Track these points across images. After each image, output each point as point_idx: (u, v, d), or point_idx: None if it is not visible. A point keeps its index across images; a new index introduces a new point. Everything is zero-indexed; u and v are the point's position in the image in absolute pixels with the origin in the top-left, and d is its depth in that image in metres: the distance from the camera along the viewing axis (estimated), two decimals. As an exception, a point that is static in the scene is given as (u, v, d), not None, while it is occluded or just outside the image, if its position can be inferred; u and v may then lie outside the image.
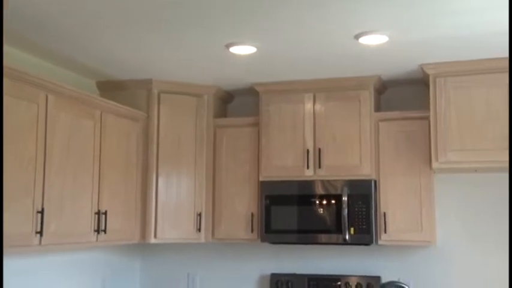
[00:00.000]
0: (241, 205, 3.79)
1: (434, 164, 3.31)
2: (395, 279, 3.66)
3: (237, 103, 4.21)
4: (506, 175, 3.54)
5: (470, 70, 3.28)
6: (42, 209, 2.75)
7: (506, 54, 3.14)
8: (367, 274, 3.74)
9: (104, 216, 3.24)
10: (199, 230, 3.76)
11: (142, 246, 4.17)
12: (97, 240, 3.20)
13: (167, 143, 3.76)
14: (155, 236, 3.66)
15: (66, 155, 2.97)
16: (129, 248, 4.09)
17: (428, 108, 3.39)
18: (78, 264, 3.56)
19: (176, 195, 3.74)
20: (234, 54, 3.17)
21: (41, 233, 2.73)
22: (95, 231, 3.17)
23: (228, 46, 3.04)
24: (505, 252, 3.52)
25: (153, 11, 2.56)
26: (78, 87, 3.18)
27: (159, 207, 3.69)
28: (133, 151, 3.62)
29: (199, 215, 3.77)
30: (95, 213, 3.18)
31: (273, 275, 3.87)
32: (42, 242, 2.76)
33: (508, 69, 3.18)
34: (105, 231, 3.23)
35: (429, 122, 3.38)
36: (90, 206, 3.15)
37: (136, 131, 3.66)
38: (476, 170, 3.47)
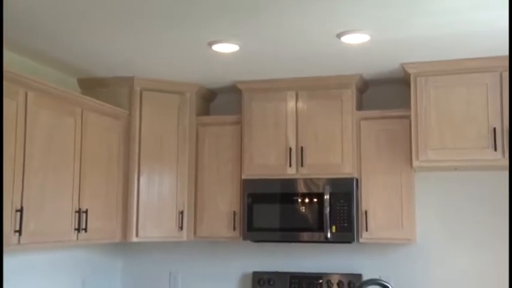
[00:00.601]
0: (224, 203, 3.78)
1: (415, 163, 3.34)
2: (376, 276, 3.69)
3: (220, 101, 4.20)
4: (485, 173, 3.59)
5: (450, 70, 3.31)
6: (21, 208, 2.71)
7: (487, 54, 3.18)
8: (349, 272, 3.77)
9: (84, 214, 3.21)
10: (181, 228, 3.75)
11: (123, 245, 4.14)
12: (77, 239, 3.17)
13: (149, 141, 3.73)
14: (137, 235, 3.64)
15: (47, 152, 2.94)
16: (110, 247, 4.06)
17: (409, 107, 3.42)
18: (58, 263, 3.53)
19: (158, 193, 3.72)
20: (216, 52, 3.17)
21: (19, 231, 2.70)
22: (75, 229, 3.14)
23: (210, 44, 3.03)
24: (484, 250, 3.57)
25: (135, 8, 2.55)
26: (59, 85, 3.14)
27: (141, 206, 3.66)
28: (115, 149, 3.59)
29: (182, 213, 3.76)
30: (76, 211, 3.15)
31: (255, 273, 3.87)
32: (21, 241, 2.72)
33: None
34: (85, 229, 3.21)
35: (410, 121, 3.41)
36: (71, 205, 3.12)
37: (117, 128, 3.63)
38: (456, 169, 3.51)
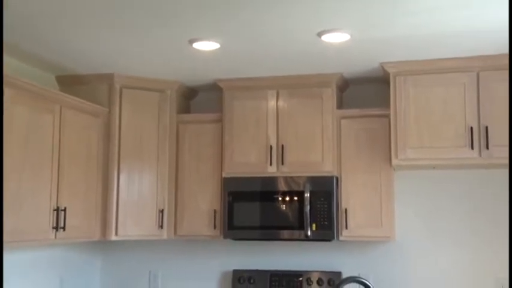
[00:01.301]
0: (204, 202, 3.78)
1: (394, 161, 3.38)
2: (355, 274, 3.72)
3: (200, 99, 4.19)
4: (463, 172, 3.64)
5: (429, 69, 3.35)
6: (-2, 206, 2.67)
7: (464, 54, 3.22)
8: (329, 270, 3.79)
9: (63, 213, 3.17)
10: (161, 226, 3.73)
11: (103, 244, 4.11)
12: (55, 237, 3.14)
13: (129, 139, 3.71)
14: (116, 233, 3.62)
15: (24, 150, 2.90)
16: (89, 246, 4.03)
17: (388, 106, 3.45)
18: (35, 262, 3.48)
19: (138, 191, 3.70)
20: (197, 50, 3.16)
21: (-4, 230, 2.66)
22: (53, 228, 3.11)
23: (191, 42, 3.02)
24: (463, 248, 3.62)
25: (115, 5, 2.52)
26: (37, 82, 3.10)
27: (121, 204, 3.64)
28: (94, 147, 3.56)
29: (162, 211, 3.74)
30: (54, 209, 3.12)
31: (235, 271, 3.87)
32: (-2, 240, 2.68)
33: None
34: (64, 228, 3.17)
35: (389, 119, 3.44)
36: (49, 203, 3.09)
37: (97, 126, 3.60)
38: (434, 167, 3.56)
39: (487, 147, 3.20)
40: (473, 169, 3.59)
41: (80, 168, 3.39)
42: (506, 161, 3.22)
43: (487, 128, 3.22)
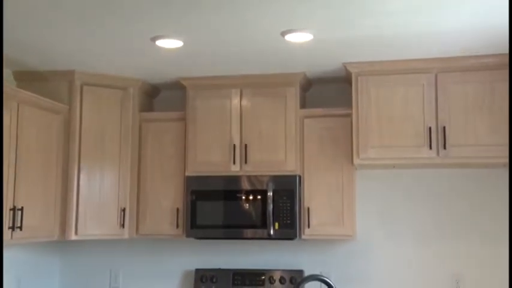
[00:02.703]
0: (167, 200, 3.75)
1: (356, 160, 3.42)
2: (317, 272, 3.76)
3: (164, 97, 4.15)
4: (422, 171, 3.72)
5: (390, 70, 3.41)
6: (-49, 205, 2.59)
7: (424, 55, 3.29)
8: (291, 268, 3.82)
9: (19, 212, 3.09)
10: (122, 225, 3.68)
11: (62, 243, 4.03)
12: (12, 237, 3.05)
13: (90, 137, 3.65)
14: (76, 233, 3.55)
15: (-21, 148, 2.81)
16: (48, 246, 3.94)
17: (351, 106, 3.50)
18: (-9, 263, 3.39)
19: (99, 190, 3.64)
20: (160, 48, 3.13)
21: (-51, 230, 2.57)
22: (9, 228, 3.02)
23: (153, 39, 2.99)
24: (422, 245, 3.69)
25: (78, 0, 2.47)
26: (-8, 77, 3.02)
27: (81, 203, 3.57)
28: (54, 145, 3.48)
29: (123, 210, 3.69)
30: (10, 209, 3.03)
31: (198, 270, 3.86)
32: (-49, 240, 2.60)
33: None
34: (20, 228, 3.09)
35: (351, 119, 3.49)
36: (5, 202, 3.00)
37: (57, 124, 3.52)
38: (394, 166, 3.62)
39: (444, 147, 3.28)
40: (432, 168, 3.67)
41: (38, 166, 3.31)
42: (462, 161, 3.30)
43: (444, 128, 3.30)
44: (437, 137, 3.30)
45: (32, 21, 2.73)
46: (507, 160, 3.24)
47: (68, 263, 4.07)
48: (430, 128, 3.32)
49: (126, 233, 3.70)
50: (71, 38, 2.98)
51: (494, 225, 3.59)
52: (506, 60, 3.23)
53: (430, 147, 3.30)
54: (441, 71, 3.34)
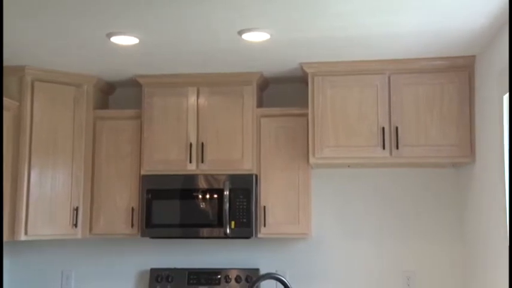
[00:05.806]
0: (122, 199, 3.69)
1: (312, 160, 3.46)
2: (273, 270, 3.78)
3: (119, 95, 4.09)
4: (376, 170, 3.80)
5: (346, 71, 3.47)
6: None
7: (377, 57, 3.36)
8: (247, 267, 3.83)
9: (-34, 212, 2.99)
10: (75, 225, 3.61)
11: (11, 244, 3.91)
12: (-42, 238, 2.94)
13: (42, 134, 3.55)
14: (26, 233, 3.45)
15: None
16: (-3, 246, 3.82)
17: (307, 106, 3.54)
18: None
19: (51, 188, 3.55)
20: (115, 45, 3.08)
21: None
22: (-45, 228, 2.91)
23: (109, 36, 2.94)
24: (377, 243, 3.77)
25: (26, -7, 2.40)
26: None
27: (31, 202, 3.48)
28: (3, 142, 3.37)
29: (76, 209, 3.62)
30: (-44, 208, 2.93)
31: (153, 270, 3.82)
32: None
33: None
34: (-33, 228, 2.99)
35: (307, 119, 3.53)
36: (-49, 201, 2.89)
37: (6, 120, 3.41)
38: (349, 166, 3.69)
39: (397, 147, 3.36)
40: (385, 168, 3.76)
41: (-14, 165, 3.20)
42: (414, 160, 3.39)
43: (397, 128, 3.38)
44: (390, 137, 3.38)
45: (-19, 13, 2.63)
46: (456, 160, 3.35)
47: (18, 264, 3.95)
48: (383, 129, 3.39)
49: (79, 233, 3.63)
50: (22, 33, 2.89)
51: (443, 223, 3.71)
52: (456, 63, 3.34)
53: (384, 147, 3.38)
54: (394, 73, 3.42)
